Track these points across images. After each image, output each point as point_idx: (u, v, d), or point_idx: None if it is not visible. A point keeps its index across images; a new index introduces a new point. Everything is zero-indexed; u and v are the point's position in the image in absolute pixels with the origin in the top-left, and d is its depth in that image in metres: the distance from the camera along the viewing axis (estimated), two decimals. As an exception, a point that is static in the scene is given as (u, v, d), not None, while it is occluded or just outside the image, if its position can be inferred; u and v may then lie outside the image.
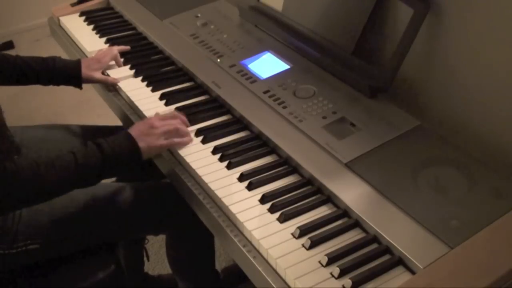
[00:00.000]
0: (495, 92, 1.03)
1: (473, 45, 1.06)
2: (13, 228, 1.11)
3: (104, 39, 1.60)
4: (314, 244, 0.91)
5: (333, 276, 0.86)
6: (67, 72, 1.37)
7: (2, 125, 1.17)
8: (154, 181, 1.37)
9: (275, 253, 0.90)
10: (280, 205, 0.99)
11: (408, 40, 1.12)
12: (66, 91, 1.49)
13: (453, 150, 1.03)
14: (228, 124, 1.22)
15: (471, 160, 1.00)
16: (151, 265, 1.86)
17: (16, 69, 1.33)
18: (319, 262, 0.89)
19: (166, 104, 1.29)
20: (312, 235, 0.93)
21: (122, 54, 1.49)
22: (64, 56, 1.49)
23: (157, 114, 1.19)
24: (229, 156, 1.11)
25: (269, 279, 0.89)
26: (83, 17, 1.73)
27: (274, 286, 0.88)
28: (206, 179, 1.06)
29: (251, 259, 0.93)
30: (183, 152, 1.14)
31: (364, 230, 0.94)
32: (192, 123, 1.21)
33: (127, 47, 1.50)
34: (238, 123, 1.22)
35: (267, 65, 1.34)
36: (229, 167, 1.09)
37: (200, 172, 1.08)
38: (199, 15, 1.58)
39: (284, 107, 1.19)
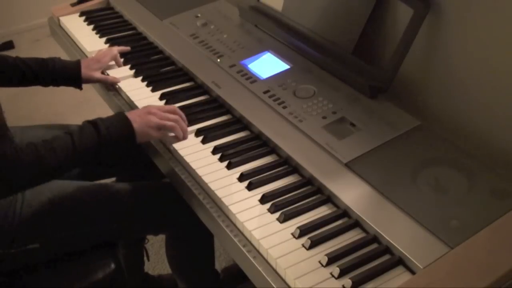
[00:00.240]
0: (495, 92, 1.03)
1: (473, 45, 1.06)
2: (12, 228, 1.11)
3: (104, 39, 1.60)
4: (314, 244, 0.91)
5: (333, 276, 0.86)
6: (67, 73, 1.37)
7: (2, 125, 1.17)
8: (154, 181, 1.37)
9: (275, 253, 0.90)
10: (280, 205, 0.99)
11: (408, 40, 1.12)
12: (66, 91, 1.49)
13: (453, 150, 1.03)
14: (228, 124, 1.22)
15: (471, 160, 1.00)
16: (151, 265, 1.86)
17: (16, 71, 1.33)
18: (319, 262, 0.89)
19: (166, 104, 1.29)
20: (312, 235, 0.93)
21: (122, 54, 1.49)
22: (64, 56, 1.49)
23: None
24: (229, 156, 1.11)
25: (269, 279, 0.89)
26: (83, 17, 1.73)
27: (274, 286, 0.88)
28: (206, 179, 1.06)
29: (251, 259, 0.93)
30: (183, 152, 1.14)
31: (364, 230, 0.94)
32: (192, 123, 1.21)
33: (127, 48, 1.50)
34: (238, 123, 1.22)
35: (267, 65, 1.34)
36: (229, 167, 1.09)
37: (200, 172, 1.08)
38: (199, 15, 1.58)
39: (284, 107, 1.19)
